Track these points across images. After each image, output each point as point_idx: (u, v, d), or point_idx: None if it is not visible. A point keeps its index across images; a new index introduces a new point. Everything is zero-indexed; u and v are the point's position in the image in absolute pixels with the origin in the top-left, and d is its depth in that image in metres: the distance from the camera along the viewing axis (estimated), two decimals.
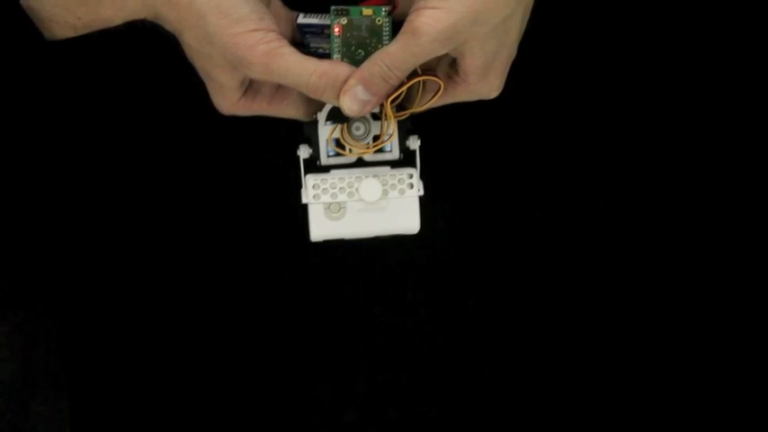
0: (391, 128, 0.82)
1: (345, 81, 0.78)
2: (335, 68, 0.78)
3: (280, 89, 0.82)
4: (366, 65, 0.78)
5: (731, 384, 0.96)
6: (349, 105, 0.78)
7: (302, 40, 0.82)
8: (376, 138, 0.83)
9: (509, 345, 0.95)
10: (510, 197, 0.93)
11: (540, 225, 0.93)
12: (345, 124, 0.82)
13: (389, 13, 0.80)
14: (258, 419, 0.95)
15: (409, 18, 0.76)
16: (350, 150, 0.83)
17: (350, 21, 0.80)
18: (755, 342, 0.96)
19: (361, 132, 0.83)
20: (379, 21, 0.79)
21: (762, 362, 0.96)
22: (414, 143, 0.84)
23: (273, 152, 0.89)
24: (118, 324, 0.94)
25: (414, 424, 0.95)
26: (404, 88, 0.79)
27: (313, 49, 0.81)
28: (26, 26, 0.78)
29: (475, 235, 0.93)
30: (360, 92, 0.78)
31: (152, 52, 0.86)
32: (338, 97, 0.78)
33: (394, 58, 0.77)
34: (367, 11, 0.80)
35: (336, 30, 0.80)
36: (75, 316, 0.94)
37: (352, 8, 0.80)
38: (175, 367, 0.95)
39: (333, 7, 0.80)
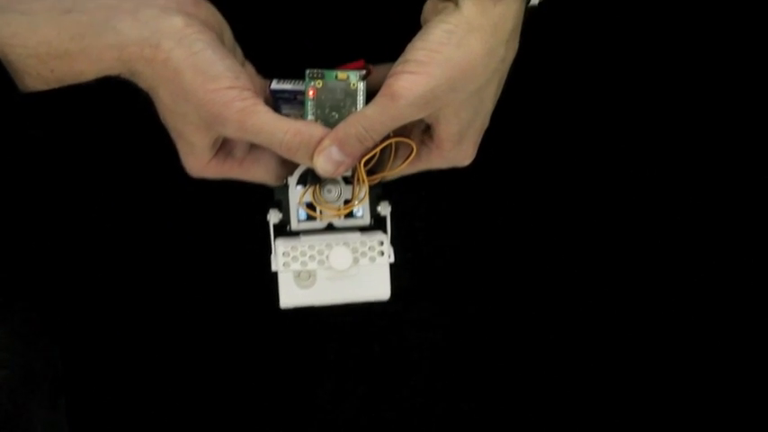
0: (363, 191, 0.81)
1: (319, 141, 0.77)
2: (310, 128, 0.78)
3: (252, 152, 0.81)
4: (342, 126, 0.78)
5: (731, 384, 0.96)
6: (323, 165, 0.77)
7: (274, 106, 0.81)
8: (347, 201, 0.82)
9: (508, 349, 0.95)
10: (504, 200, 0.93)
11: (539, 232, 0.94)
12: (317, 186, 0.82)
13: (364, 78, 0.80)
14: (258, 420, 0.94)
15: (387, 82, 0.76)
16: (321, 212, 0.82)
17: (325, 84, 0.79)
18: (755, 342, 0.95)
19: (332, 195, 0.82)
20: (353, 85, 0.79)
21: (762, 362, 0.95)
22: (384, 209, 0.83)
23: (242, 216, 0.88)
24: (115, 326, 0.93)
25: (413, 424, 0.94)
26: (377, 150, 0.79)
27: (285, 115, 0.81)
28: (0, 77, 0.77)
29: (474, 240, 0.93)
30: (334, 152, 0.77)
31: (123, 110, 0.85)
32: (311, 157, 0.77)
33: (371, 120, 0.77)
34: (342, 75, 0.80)
35: (311, 92, 0.79)
36: (74, 318, 0.93)
37: (326, 71, 0.80)
38: (173, 369, 0.93)
39: (308, 70, 0.80)
